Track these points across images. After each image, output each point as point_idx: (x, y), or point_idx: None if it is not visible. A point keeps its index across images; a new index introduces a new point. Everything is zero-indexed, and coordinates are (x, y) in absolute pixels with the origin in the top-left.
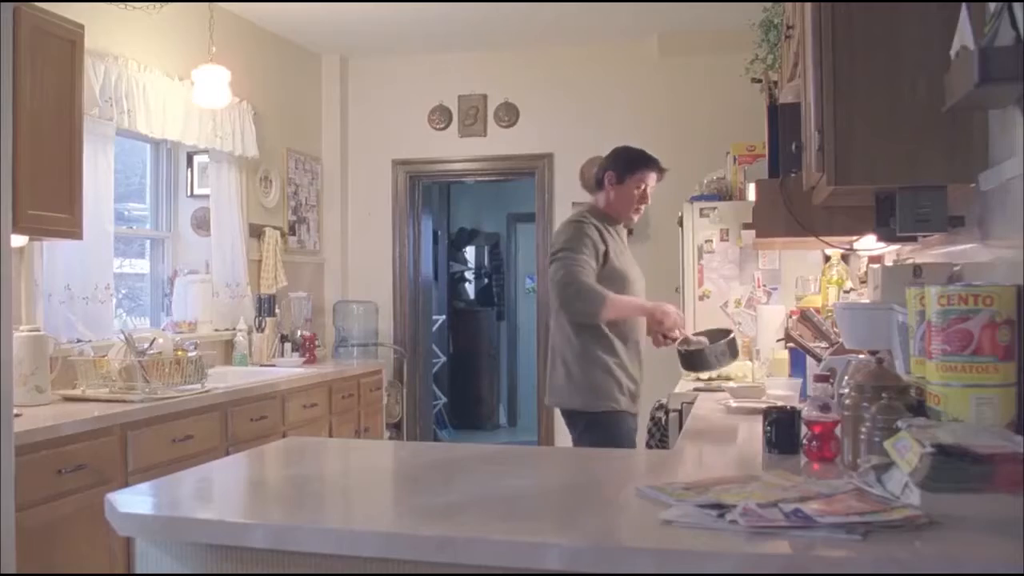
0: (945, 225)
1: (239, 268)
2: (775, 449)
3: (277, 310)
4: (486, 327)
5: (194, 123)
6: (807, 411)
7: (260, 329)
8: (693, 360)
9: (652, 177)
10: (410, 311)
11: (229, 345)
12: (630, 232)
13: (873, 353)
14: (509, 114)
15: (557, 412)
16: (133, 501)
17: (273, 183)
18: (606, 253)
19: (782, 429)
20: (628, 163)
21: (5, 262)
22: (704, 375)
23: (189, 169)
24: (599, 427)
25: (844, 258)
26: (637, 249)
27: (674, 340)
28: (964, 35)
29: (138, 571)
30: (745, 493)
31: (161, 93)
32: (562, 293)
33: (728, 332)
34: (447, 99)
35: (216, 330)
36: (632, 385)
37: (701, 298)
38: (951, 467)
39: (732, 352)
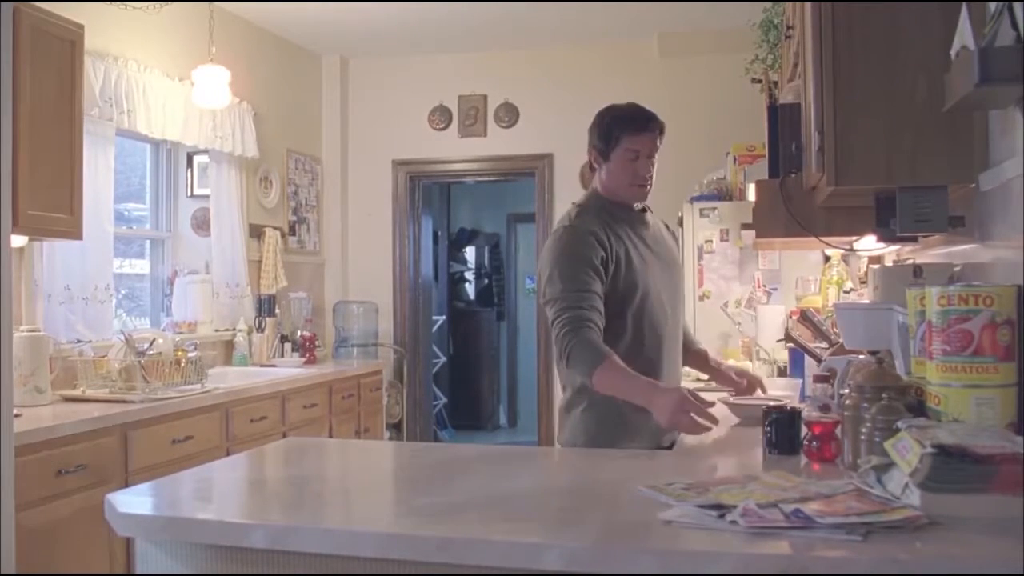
0: (945, 225)
1: (239, 268)
2: (775, 449)
3: (277, 310)
4: (486, 327)
5: (194, 123)
6: (807, 411)
7: (260, 329)
8: None
9: (645, 139)
10: (410, 311)
11: (229, 345)
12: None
13: (873, 353)
14: (509, 114)
15: (557, 413)
16: (133, 501)
17: (273, 183)
18: (618, 259)
19: (782, 429)
20: (606, 133)
21: (5, 262)
22: (704, 375)
23: (189, 169)
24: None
25: (844, 258)
26: None
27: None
28: (964, 35)
29: (138, 571)
30: (745, 493)
31: (161, 93)
32: (559, 351)
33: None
34: (447, 99)
35: (216, 330)
36: None
37: (701, 298)
38: (951, 467)
39: None
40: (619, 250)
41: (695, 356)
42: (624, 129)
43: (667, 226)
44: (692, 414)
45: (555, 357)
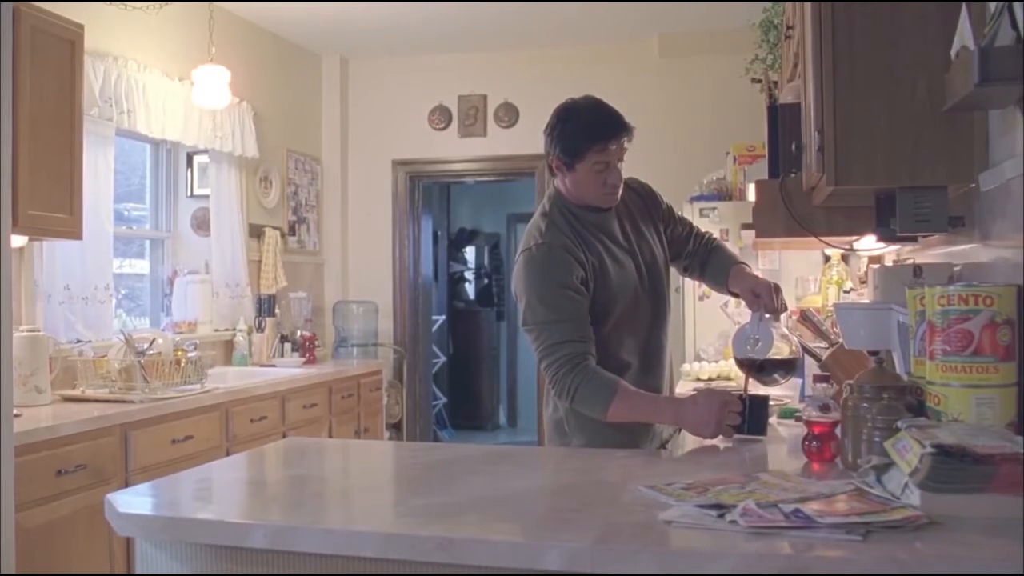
0: (945, 225)
1: (239, 268)
2: (746, 429)
3: (277, 310)
4: (486, 327)
5: (194, 123)
6: (806, 411)
7: (260, 329)
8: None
9: (614, 150)
10: (410, 311)
11: (229, 345)
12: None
13: (873, 353)
14: (509, 114)
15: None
16: (133, 501)
17: (273, 183)
18: (595, 273)
19: (755, 410)
20: (570, 147)
21: (5, 262)
22: (704, 376)
23: (189, 169)
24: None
25: (844, 258)
26: None
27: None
28: (964, 35)
29: (138, 571)
30: (745, 493)
31: (161, 93)
32: (559, 391)
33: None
34: (447, 99)
35: (216, 330)
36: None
37: (701, 298)
38: (951, 467)
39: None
40: (595, 262)
41: (737, 277)
42: (592, 143)
43: (635, 188)
44: (715, 432)
45: (548, 386)
